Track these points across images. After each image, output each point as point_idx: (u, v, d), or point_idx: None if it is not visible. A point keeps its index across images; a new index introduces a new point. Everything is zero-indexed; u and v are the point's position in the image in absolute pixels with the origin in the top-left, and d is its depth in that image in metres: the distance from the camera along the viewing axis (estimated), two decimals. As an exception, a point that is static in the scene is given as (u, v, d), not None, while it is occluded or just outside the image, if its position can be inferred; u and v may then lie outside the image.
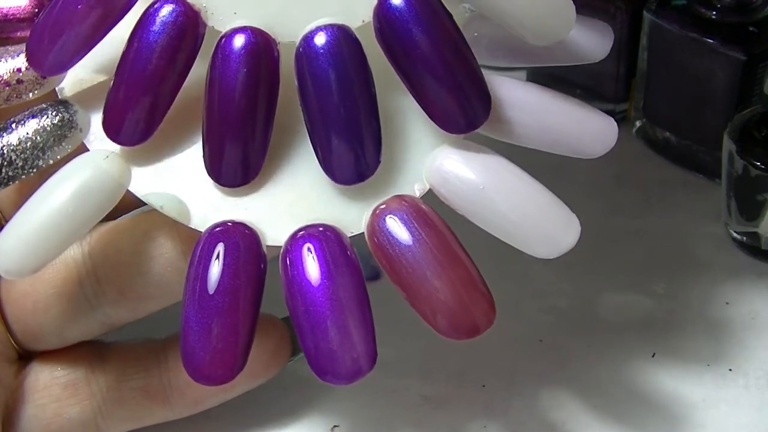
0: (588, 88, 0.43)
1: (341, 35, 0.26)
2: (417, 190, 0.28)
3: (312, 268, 0.27)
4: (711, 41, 0.38)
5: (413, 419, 0.35)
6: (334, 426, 0.35)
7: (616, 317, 0.37)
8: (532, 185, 0.28)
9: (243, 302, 0.27)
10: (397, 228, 0.27)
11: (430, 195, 0.29)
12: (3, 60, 0.27)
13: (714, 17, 0.38)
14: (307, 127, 0.27)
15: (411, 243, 0.27)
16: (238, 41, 0.26)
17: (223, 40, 0.26)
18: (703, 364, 0.36)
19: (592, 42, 0.30)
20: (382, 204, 0.28)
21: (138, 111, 0.26)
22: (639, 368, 0.36)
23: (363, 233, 0.28)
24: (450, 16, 0.26)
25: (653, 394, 0.35)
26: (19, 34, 0.28)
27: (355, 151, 0.26)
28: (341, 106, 0.26)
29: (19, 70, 0.27)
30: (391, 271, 0.27)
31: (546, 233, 0.27)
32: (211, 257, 0.27)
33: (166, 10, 0.26)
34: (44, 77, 0.28)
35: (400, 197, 0.28)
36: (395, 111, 0.28)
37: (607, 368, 0.36)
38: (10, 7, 0.28)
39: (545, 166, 0.30)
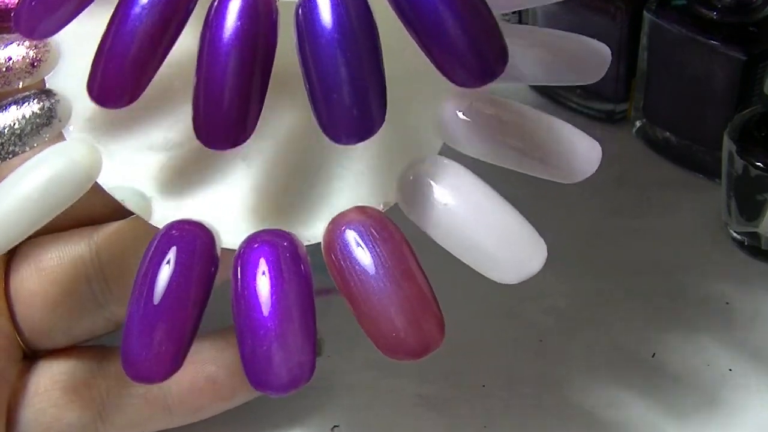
0: (588, 88, 0.43)
1: None
2: (382, 204, 0.28)
3: (261, 273, 0.26)
4: (711, 41, 0.38)
5: (412, 419, 0.35)
6: (334, 426, 0.35)
7: (616, 317, 0.37)
8: (500, 207, 0.27)
9: (189, 305, 0.26)
10: (353, 240, 0.26)
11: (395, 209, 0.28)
12: None
13: (714, 17, 0.38)
14: (305, 85, 0.25)
15: (365, 257, 0.26)
16: (234, 2, 0.24)
17: (216, 3, 0.25)
18: (703, 364, 0.36)
19: (589, 61, 0.29)
20: (342, 214, 0.27)
21: (124, 72, 0.25)
22: (639, 368, 0.36)
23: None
24: None
25: (653, 394, 0.35)
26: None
27: (358, 107, 0.25)
28: (344, 61, 0.24)
29: (9, 58, 0.28)
30: (342, 283, 0.26)
31: (509, 257, 0.27)
32: (163, 257, 0.26)
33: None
34: (33, 66, 0.28)
35: (362, 209, 0.27)
36: None
37: (607, 368, 0.36)
38: None
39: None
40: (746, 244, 0.39)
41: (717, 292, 0.38)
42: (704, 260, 0.39)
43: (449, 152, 0.28)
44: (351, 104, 0.25)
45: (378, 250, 0.26)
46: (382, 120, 0.25)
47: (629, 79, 0.43)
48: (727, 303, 0.38)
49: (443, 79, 0.25)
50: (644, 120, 0.43)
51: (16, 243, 0.27)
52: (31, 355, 0.32)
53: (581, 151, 0.28)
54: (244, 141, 0.26)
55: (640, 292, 0.38)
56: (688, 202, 0.41)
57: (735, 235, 0.39)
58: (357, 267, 0.26)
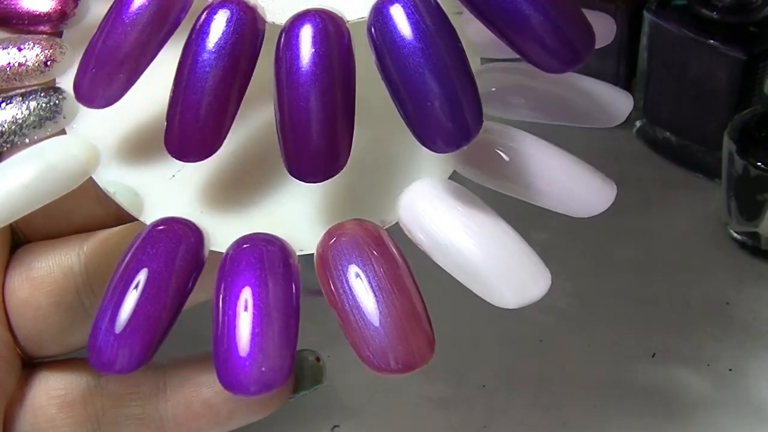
0: (588, 88, 0.43)
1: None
2: (381, 221, 0.27)
3: (244, 274, 0.25)
4: (711, 41, 0.38)
5: (413, 419, 0.35)
6: (334, 426, 0.35)
7: (616, 317, 0.37)
8: (503, 232, 0.26)
9: (165, 301, 0.26)
10: (345, 251, 0.26)
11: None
12: (15, 48, 0.28)
13: (714, 17, 0.38)
14: (393, 100, 0.25)
15: (356, 267, 0.25)
16: (305, 28, 0.24)
17: (286, 30, 0.24)
18: (703, 364, 0.36)
19: (610, 106, 0.29)
20: (338, 225, 0.27)
21: (202, 124, 0.25)
22: (639, 368, 0.36)
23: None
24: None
25: (653, 394, 0.35)
26: (40, 28, 0.29)
27: (452, 115, 0.24)
28: (431, 69, 0.24)
29: (24, 56, 0.28)
30: (330, 293, 0.26)
31: (508, 281, 0.26)
32: (145, 251, 0.26)
33: (222, 14, 0.24)
34: (47, 65, 0.28)
35: (359, 221, 0.27)
36: (379, 138, 0.27)
37: (607, 368, 0.36)
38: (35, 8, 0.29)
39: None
40: (746, 244, 0.39)
41: (717, 292, 0.38)
42: (704, 260, 0.39)
43: (458, 178, 0.28)
44: (445, 113, 0.24)
45: (371, 261, 0.26)
46: (480, 123, 0.24)
47: (629, 79, 0.43)
48: (727, 303, 0.38)
49: None
50: (644, 120, 0.43)
51: (1, 225, 0.26)
52: (29, 365, 0.32)
53: (593, 187, 0.28)
54: (343, 165, 0.25)
55: (640, 292, 0.38)
56: (688, 202, 0.41)
57: (735, 235, 0.39)
58: (347, 277, 0.25)
